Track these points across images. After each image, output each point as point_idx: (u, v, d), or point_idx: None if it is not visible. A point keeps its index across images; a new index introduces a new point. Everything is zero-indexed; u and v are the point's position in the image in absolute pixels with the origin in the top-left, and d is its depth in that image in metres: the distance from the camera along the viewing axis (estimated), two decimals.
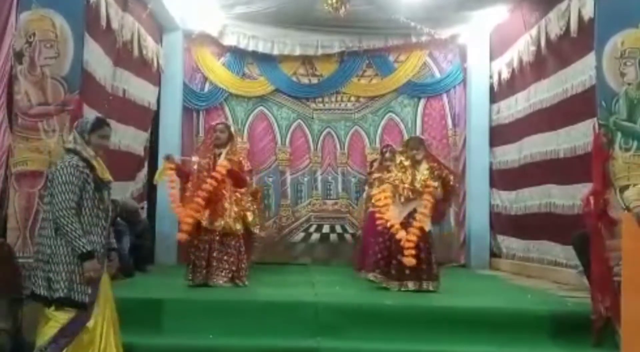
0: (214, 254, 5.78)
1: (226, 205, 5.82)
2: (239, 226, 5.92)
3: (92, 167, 3.84)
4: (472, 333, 4.68)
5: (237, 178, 5.87)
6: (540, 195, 7.29)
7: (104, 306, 3.85)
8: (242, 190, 6.18)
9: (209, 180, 5.75)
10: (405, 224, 5.77)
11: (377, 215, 6.07)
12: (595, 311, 4.60)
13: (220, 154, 5.90)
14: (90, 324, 3.75)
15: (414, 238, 5.68)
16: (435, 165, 5.99)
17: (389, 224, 5.78)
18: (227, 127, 6.19)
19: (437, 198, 5.85)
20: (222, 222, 5.78)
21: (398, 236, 5.71)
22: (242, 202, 6.27)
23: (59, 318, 3.72)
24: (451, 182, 6.00)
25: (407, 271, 5.71)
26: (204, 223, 5.80)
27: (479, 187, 8.86)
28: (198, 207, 5.73)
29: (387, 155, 6.98)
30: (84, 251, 3.65)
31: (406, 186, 5.79)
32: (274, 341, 4.50)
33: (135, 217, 7.22)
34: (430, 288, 5.76)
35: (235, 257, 5.84)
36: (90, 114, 5.64)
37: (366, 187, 7.00)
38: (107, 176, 3.94)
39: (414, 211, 5.82)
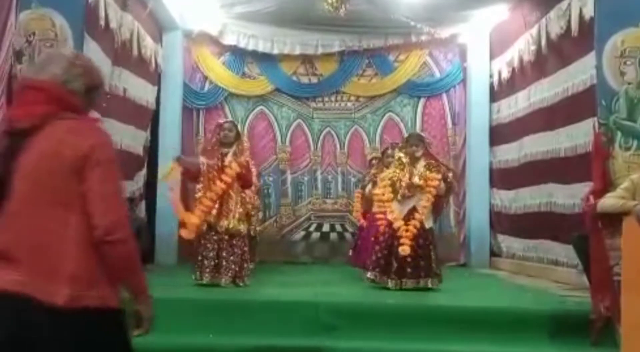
0: (223, 254, 5.77)
1: (231, 206, 5.81)
2: (243, 227, 5.91)
3: None
4: (472, 332, 4.67)
5: (244, 180, 5.86)
6: (540, 194, 7.29)
7: None
8: (248, 190, 6.18)
9: (219, 183, 5.72)
10: (406, 221, 5.78)
11: (378, 214, 6.08)
12: (595, 310, 4.59)
13: (227, 154, 5.86)
14: None
15: (412, 229, 5.70)
16: (433, 163, 5.99)
17: (392, 221, 5.79)
18: (235, 125, 6.16)
19: (440, 193, 5.87)
20: (226, 223, 5.76)
21: (395, 225, 5.72)
22: (248, 203, 6.27)
23: None
24: (449, 179, 6.00)
25: (409, 269, 5.71)
26: (212, 223, 5.78)
27: (479, 187, 8.86)
28: (208, 209, 5.72)
29: (389, 151, 6.97)
30: None
31: (404, 183, 5.79)
32: (274, 341, 4.49)
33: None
34: (430, 285, 5.74)
35: (239, 257, 5.83)
36: (91, 114, 5.65)
37: (369, 186, 6.93)
38: None
39: (414, 209, 5.82)
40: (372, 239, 6.27)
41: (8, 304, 1.90)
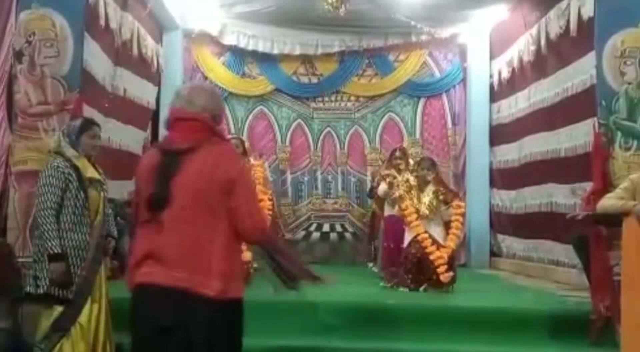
0: None
1: None
2: None
3: (75, 167, 3.88)
4: (472, 332, 4.67)
5: None
6: (540, 194, 7.28)
7: (98, 302, 3.90)
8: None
9: None
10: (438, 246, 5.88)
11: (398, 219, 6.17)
12: (595, 310, 4.60)
13: None
14: (82, 319, 3.82)
15: (445, 256, 5.79)
16: (441, 190, 6.04)
17: (420, 238, 5.85)
18: (242, 142, 6.09)
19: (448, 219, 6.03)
20: None
21: (431, 255, 5.78)
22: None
23: (47, 314, 3.83)
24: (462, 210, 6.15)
25: (435, 277, 5.80)
26: None
27: (479, 187, 8.86)
28: None
29: (397, 153, 6.94)
30: (53, 252, 3.73)
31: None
32: (274, 341, 4.49)
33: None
34: (450, 290, 5.85)
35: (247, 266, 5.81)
36: (90, 114, 5.65)
37: (382, 184, 6.75)
38: (94, 174, 3.97)
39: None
40: (392, 244, 6.38)
41: (171, 296, 2.37)
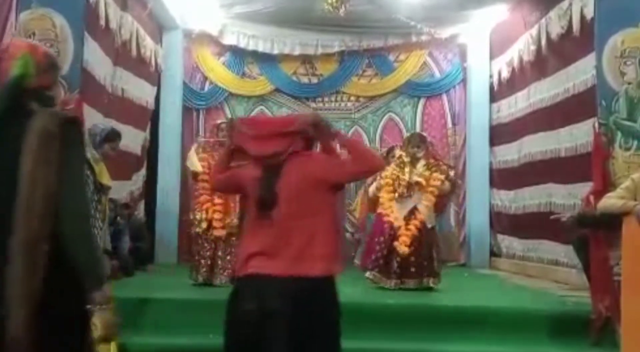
0: (219, 253, 5.77)
1: (231, 203, 5.79)
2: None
3: (92, 169, 3.88)
4: (472, 332, 4.67)
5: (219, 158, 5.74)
6: (540, 194, 7.29)
7: None
8: None
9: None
10: (408, 220, 5.78)
11: (384, 216, 6.07)
12: (595, 310, 4.60)
13: None
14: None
15: (413, 228, 5.70)
16: (433, 162, 5.99)
17: (393, 221, 5.79)
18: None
19: (443, 192, 5.89)
20: (227, 220, 5.75)
21: (396, 225, 5.73)
22: None
23: None
24: (451, 178, 6.00)
25: (412, 269, 5.70)
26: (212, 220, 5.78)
27: (479, 187, 8.86)
28: (205, 206, 5.74)
29: (395, 151, 6.93)
30: None
31: (403, 182, 5.79)
32: None
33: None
34: (430, 284, 5.74)
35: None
36: (90, 114, 5.66)
37: (373, 185, 6.81)
38: (106, 181, 4.00)
39: (415, 208, 5.82)
40: (375, 239, 6.26)
41: (283, 283, 2.72)
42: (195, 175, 5.91)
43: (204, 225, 5.75)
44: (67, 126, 2.03)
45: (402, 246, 5.66)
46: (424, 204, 5.80)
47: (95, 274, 2.02)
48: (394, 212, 5.84)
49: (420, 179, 5.79)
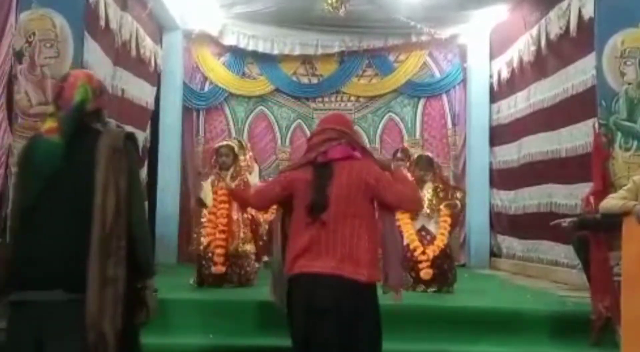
0: (228, 270, 5.76)
1: (234, 228, 5.79)
2: (250, 247, 5.88)
3: None
4: (472, 333, 4.67)
5: (239, 201, 5.52)
6: (540, 194, 7.29)
7: None
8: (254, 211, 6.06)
9: (214, 208, 5.76)
10: (422, 242, 5.79)
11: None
12: (595, 310, 4.60)
13: (225, 177, 5.85)
14: None
15: (430, 254, 5.70)
16: (441, 187, 5.99)
17: (409, 241, 5.78)
18: (231, 149, 6.03)
19: (455, 218, 5.99)
20: (233, 246, 5.75)
21: (412, 246, 5.72)
22: (255, 223, 6.17)
23: None
24: (458, 202, 6.00)
25: (429, 278, 5.70)
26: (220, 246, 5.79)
27: (479, 187, 8.85)
28: (212, 234, 5.77)
29: (399, 155, 6.91)
30: None
31: None
32: (274, 341, 4.49)
33: None
34: (448, 290, 5.77)
35: (244, 269, 5.81)
36: None
37: None
38: None
39: (424, 227, 5.88)
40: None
41: (330, 282, 2.95)
42: (203, 205, 5.92)
43: (208, 256, 5.76)
44: (128, 142, 2.55)
45: (425, 273, 5.65)
46: (440, 232, 5.82)
47: (151, 267, 2.58)
48: (407, 230, 5.81)
49: (428, 211, 5.81)
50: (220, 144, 6.28)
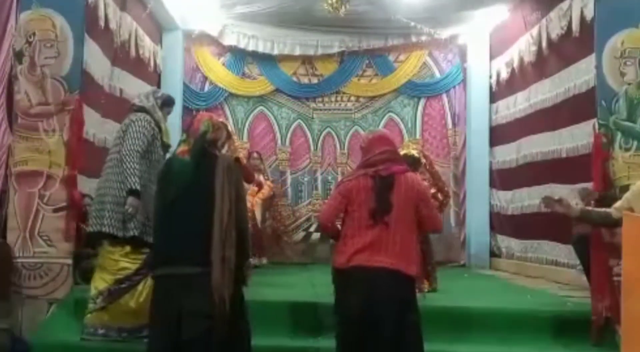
0: None
1: None
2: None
3: (159, 128, 4.49)
4: (472, 333, 4.68)
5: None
6: (540, 195, 7.25)
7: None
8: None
9: None
10: None
11: None
12: (595, 310, 4.60)
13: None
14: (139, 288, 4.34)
15: None
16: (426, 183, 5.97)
17: None
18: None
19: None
20: None
21: None
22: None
23: (132, 258, 4.33)
24: (439, 200, 6.04)
25: None
26: None
27: (478, 187, 8.86)
28: None
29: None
30: (133, 187, 4.24)
31: None
32: (274, 341, 4.49)
33: None
34: (426, 289, 5.66)
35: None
36: (88, 114, 5.66)
37: None
38: (168, 140, 4.59)
39: None
40: None
41: (389, 275, 3.51)
42: None
43: None
44: (236, 163, 3.77)
45: None
46: None
47: (248, 252, 3.65)
48: None
49: None
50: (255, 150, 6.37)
